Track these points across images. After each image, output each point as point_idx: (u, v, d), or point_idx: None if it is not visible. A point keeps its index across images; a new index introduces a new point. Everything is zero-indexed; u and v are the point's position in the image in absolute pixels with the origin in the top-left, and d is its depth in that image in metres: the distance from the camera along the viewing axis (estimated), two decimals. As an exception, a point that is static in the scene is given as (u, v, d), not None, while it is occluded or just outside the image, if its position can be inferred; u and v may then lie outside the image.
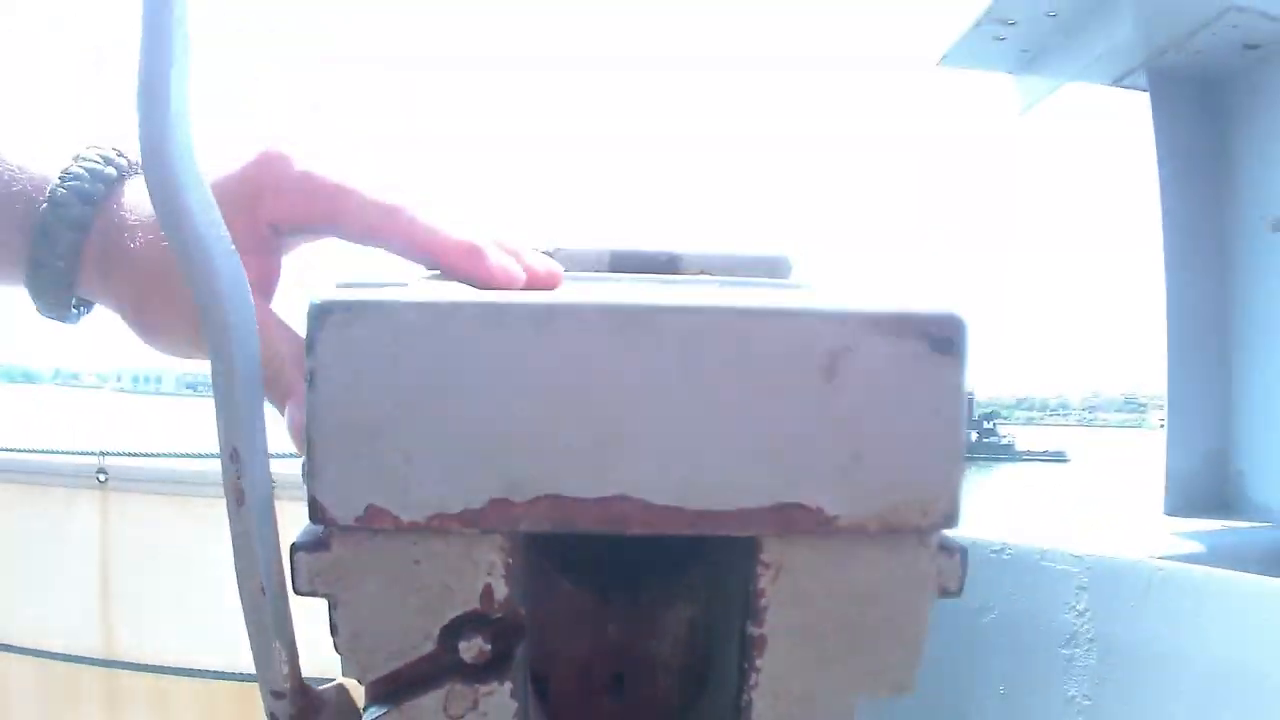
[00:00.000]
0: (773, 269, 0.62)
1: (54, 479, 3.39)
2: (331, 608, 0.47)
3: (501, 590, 0.46)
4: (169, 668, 3.39)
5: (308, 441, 0.44)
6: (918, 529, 0.46)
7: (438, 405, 0.44)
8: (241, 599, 0.48)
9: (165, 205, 0.43)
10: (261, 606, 0.48)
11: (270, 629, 0.48)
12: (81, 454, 3.42)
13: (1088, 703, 1.58)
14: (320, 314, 0.43)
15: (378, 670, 0.47)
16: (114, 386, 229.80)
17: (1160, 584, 1.51)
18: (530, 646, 0.49)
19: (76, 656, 3.49)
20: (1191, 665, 1.44)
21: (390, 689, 0.47)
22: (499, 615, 0.47)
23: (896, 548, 0.46)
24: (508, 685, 0.47)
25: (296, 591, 0.47)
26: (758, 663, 0.47)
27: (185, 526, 3.28)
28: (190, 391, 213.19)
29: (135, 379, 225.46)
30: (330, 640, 0.47)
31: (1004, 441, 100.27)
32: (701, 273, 0.62)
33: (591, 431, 0.44)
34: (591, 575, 0.55)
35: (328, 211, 0.57)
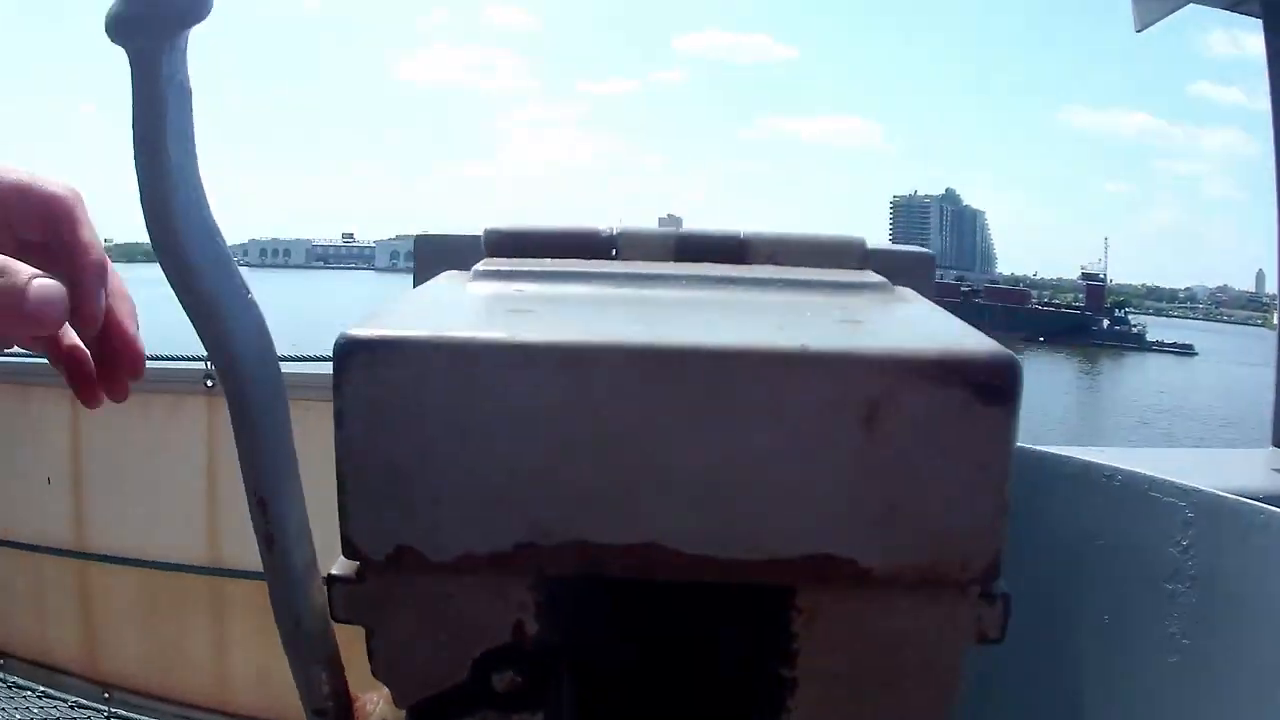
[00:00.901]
0: (844, 255, 0.60)
1: (163, 385, 3.47)
2: (368, 635, 0.47)
3: (533, 626, 0.46)
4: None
5: (338, 479, 0.44)
6: (957, 582, 0.44)
7: (464, 447, 0.43)
8: (279, 630, 0.49)
9: (174, 264, 0.43)
10: (298, 637, 0.49)
11: (306, 655, 0.49)
12: (190, 359, 3.50)
13: (1186, 642, 1.55)
14: (345, 354, 0.43)
15: (413, 696, 0.48)
16: (240, 261, 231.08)
17: (1262, 529, 1.46)
18: (570, 677, 0.49)
19: (184, 565, 3.62)
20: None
21: (426, 715, 0.48)
22: (531, 650, 0.47)
23: (934, 598, 0.45)
24: (539, 716, 0.47)
25: (335, 619, 0.48)
26: (788, 703, 0.47)
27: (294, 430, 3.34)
28: (320, 264, 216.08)
29: (263, 252, 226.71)
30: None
31: (1134, 330, 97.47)
32: (770, 260, 0.59)
33: (620, 477, 0.43)
34: (637, 605, 0.54)
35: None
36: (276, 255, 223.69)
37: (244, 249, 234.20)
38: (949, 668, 0.46)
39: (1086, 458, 1.74)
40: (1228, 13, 2.54)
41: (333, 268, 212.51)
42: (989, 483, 0.43)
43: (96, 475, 3.74)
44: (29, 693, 4.12)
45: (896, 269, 0.91)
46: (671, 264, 0.58)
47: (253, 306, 0.46)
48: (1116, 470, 1.67)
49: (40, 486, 3.75)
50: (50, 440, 3.81)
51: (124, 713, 3.88)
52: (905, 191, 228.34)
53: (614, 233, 0.60)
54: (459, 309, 0.50)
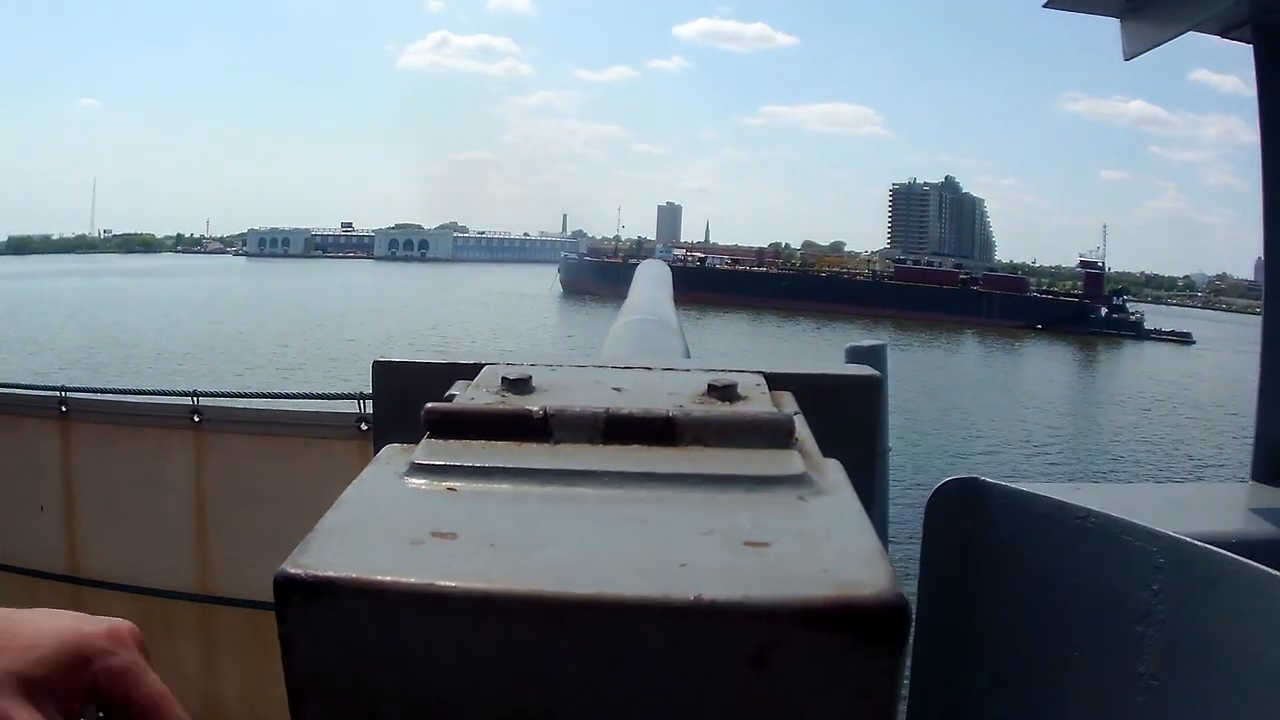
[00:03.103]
0: (772, 434, 0.62)
1: (151, 420, 3.50)
2: None
3: None
4: (262, 602, 3.52)
5: (288, 693, 0.48)
6: None
7: (390, 674, 0.46)
8: None
9: None
10: None
11: None
12: (179, 394, 3.54)
13: (1155, 682, 1.56)
14: (283, 589, 0.47)
15: None
16: (238, 251, 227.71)
17: (1231, 578, 1.48)
18: None
19: (173, 592, 3.65)
20: (1256, 664, 1.42)
21: None
22: None
23: None
24: None
25: None
26: None
27: (275, 464, 3.38)
28: (319, 253, 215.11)
29: (261, 242, 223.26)
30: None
31: (1133, 319, 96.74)
32: (696, 440, 0.62)
33: (525, 710, 0.46)
34: None
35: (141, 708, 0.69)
36: (275, 245, 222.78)
37: (243, 239, 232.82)
38: None
39: (1062, 497, 1.76)
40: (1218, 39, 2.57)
41: (332, 257, 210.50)
42: (873, 712, 0.45)
43: (89, 504, 3.77)
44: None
45: (846, 394, 0.93)
46: (600, 448, 0.61)
47: None
48: (1090, 512, 1.69)
49: (34, 513, 3.79)
50: (42, 469, 3.86)
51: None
52: (905, 179, 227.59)
53: (548, 413, 0.63)
54: (390, 526, 0.53)
